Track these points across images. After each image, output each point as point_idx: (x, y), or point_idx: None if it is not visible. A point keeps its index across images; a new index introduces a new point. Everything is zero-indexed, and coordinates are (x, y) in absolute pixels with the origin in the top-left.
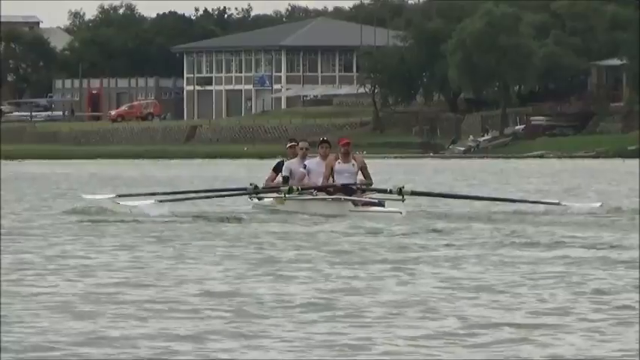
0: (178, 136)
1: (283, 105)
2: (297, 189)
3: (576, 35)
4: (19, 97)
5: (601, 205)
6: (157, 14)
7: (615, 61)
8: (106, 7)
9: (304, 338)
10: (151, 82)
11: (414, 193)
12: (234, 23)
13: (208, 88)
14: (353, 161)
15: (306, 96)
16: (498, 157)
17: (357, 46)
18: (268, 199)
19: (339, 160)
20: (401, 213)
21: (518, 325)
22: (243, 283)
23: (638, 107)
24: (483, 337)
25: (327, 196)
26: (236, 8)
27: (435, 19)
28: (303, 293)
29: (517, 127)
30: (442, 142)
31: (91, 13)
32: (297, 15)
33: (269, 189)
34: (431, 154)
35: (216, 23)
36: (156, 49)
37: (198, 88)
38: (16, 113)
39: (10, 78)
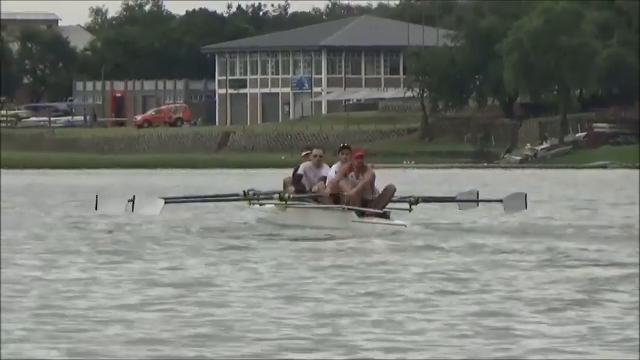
0: (210, 143)
1: (324, 110)
2: (289, 196)
3: None
4: (37, 101)
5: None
6: (186, 11)
7: None
8: (130, 3)
9: None
10: (180, 84)
11: (429, 198)
12: (269, 21)
13: (242, 91)
14: (361, 176)
15: (349, 100)
16: (558, 167)
17: (404, 46)
18: (269, 205)
19: (352, 174)
20: (405, 226)
21: None
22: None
23: None
24: None
25: (332, 205)
26: (272, 5)
27: (488, 17)
28: None
29: (578, 135)
30: (496, 150)
31: (114, 10)
32: (338, 13)
33: (265, 194)
34: (484, 164)
35: (251, 21)
36: (185, 49)
37: (231, 91)
38: (34, 118)
39: (26, 80)
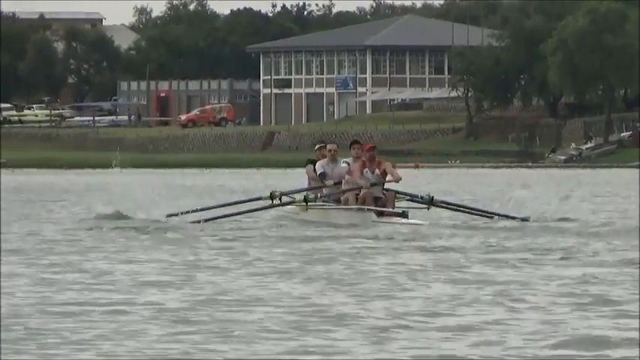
0: (254, 143)
1: (368, 110)
2: (315, 197)
3: None
4: (81, 101)
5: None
6: (231, 11)
7: None
8: (175, 2)
9: None
10: (225, 84)
11: (443, 203)
12: (314, 21)
13: (287, 91)
14: (377, 170)
15: (394, 100)
16: (603, 167)
17: (449, 46)
18: (291, 206)
19: (367, 169)
20: (424, 225)
21: None
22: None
23: None
24: None
25: (353, 206)
26: (316, 5)
27: (533, 17)
28: None
29: (623, 134)
30: (541, 150)
31: (158, 9)
32: (382, 12)
33: (290, 194)
34: (529, 164)
35: (295, 21)
36: (229, 48)
37: (275, 91)
38: (78, 118)
39: (71, 80)
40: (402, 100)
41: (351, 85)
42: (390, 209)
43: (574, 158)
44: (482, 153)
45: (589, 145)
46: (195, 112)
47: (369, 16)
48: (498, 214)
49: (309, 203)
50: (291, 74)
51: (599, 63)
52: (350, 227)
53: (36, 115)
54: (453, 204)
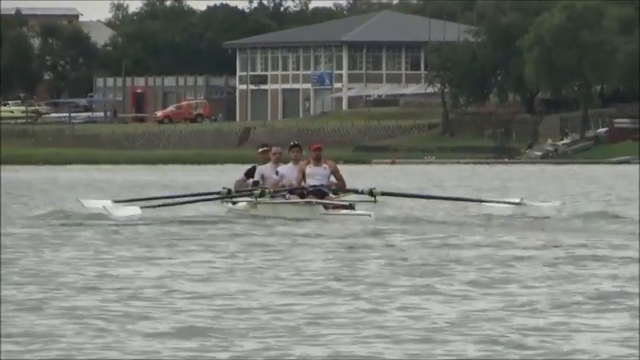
0: (230, 139)
1: (344, 106)
2: (269, 192)
3: None
4: (57, 97)
5: (563, 204)
6: (207, 7)
7: None
8: None
9: None
10: (201, 80)
11: (384, 194)
12: (290, 17)
13: (263, 87)
14: (324, 165)
15: (370, 96)
16: (579, 163)
17: (425, 42)
18: (242, 203)
19: (311, 164)
20: (370, 216)
21: None
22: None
23: None
24: None
25: (299, 200)
26: (293, 0)
27: (509, 13)
28: None
29: (599, 130)
30: (517, 146)
31: (135, 5)
32: (359, 8)
33: (242, 192)
34: (505, 160)
35: (272, 17)
36: (206, 44)
37: (251, 87)
38: (54, 114)
39: (47, 76)
40: (378, 96)
41: (327, 81)
42: (337, 202)
43: (550, 154)
44: (458, 149)
45: (565, 140)
46: (171, 108)
47: (345, 12)
48: (452, 198)
49: (257, 199)
50: (268, 70)
51: (576, 59)
52: (298, 221)
53: (12, 112)
54: (396, 193)
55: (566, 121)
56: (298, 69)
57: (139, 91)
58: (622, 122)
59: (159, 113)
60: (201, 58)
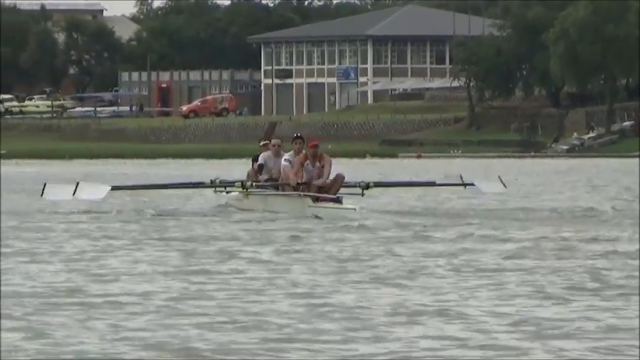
0: (256, 133)
1: (370, 100)
2: (251, 184)
3: None
4: (82, 92)
5: (505, 189)
6: (232, 1)
7: None
8: None
9: None
10: (226, 75)
11: (377, 185)
12: (315, 11)
13: (288, 81)
14: (318, 164)
15: (395, 90)
16: (606, 157)
17: (450, 36)
18: (234, 193)
19: (309, 161)
20: (355, 209)
21: None
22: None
23: None
24: None
25: (291, 192)
26: None
27: (535, 7)
28: None
29: (625, 124)
30: (543, 140)
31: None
32: (384, 2)
33: (227, 183)
34: (531, 154)
35: (296, 11)
36: (230, 39)
37: (277, 81)
38: (79, 109)
39: (72, 71)
40: (403, 90)
41: (352, 75)
42: (325, 195)
43: (576, 148)
44: (484, 143)
45: (591, 134)
46: (196, 102)
47: (370, 6)
48: (441, 184)
49: (247, 190)
50: (292, 64)
51: (601, 53)
52: (287, 212)
53: (37, 106)
54: (388, 183)
55: (592, 114)
56: (323, 63)
57: (164, 85)
58: None
59: (184, 108)
60: (226, 53)
